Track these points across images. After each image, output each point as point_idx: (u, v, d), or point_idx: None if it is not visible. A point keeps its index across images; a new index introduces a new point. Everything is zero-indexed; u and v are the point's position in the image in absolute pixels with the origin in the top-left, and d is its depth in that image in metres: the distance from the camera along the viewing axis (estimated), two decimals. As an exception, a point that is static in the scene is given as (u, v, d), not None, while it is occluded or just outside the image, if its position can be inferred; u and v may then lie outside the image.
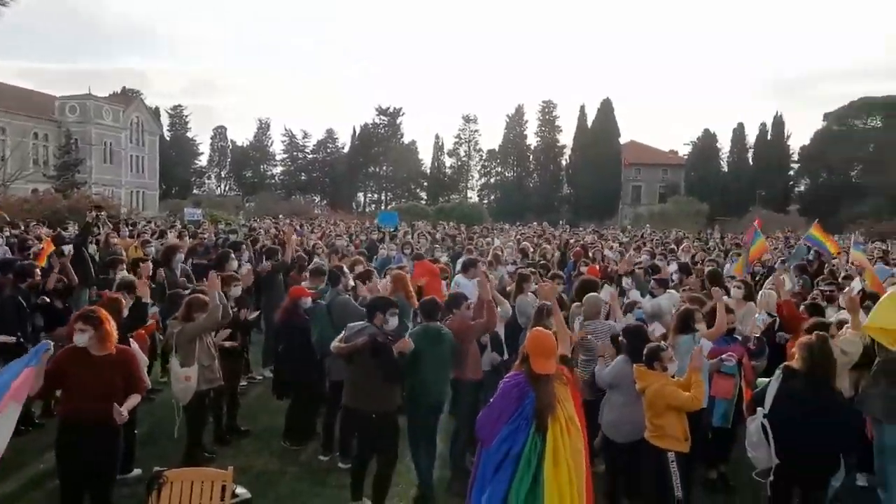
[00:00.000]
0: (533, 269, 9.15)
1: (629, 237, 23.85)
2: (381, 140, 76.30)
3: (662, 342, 5.45)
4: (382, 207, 65.31)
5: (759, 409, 4.66)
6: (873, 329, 5.30)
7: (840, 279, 9.68)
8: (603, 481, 5.53)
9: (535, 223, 34.43)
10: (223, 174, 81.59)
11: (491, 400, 4.14)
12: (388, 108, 77.20)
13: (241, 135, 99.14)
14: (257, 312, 7.67)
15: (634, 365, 5.06)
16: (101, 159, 53.54)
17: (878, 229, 37.81)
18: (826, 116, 64.96)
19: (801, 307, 6.97)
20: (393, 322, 5.56)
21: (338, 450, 6.52)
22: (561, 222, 41.63)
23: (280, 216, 32.92)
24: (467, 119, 76.65)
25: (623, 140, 68.06)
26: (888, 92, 61.41)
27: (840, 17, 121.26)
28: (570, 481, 3.67)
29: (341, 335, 5.53)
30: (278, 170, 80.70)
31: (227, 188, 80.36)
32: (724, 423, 5.92)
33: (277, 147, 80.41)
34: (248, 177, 78.39)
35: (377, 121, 77.47)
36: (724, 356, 5.61)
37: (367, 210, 67.89)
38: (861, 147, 61.10)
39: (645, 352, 5.05)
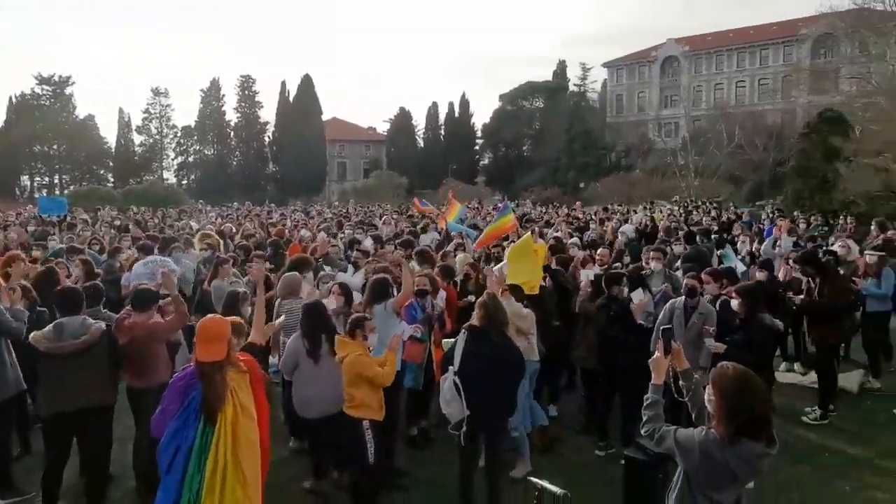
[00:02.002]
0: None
1: (334, 213, 24.14)
2: (46, 114, 65.28)
3: (366, 313, 5.58)
4: (57, 192, 56.63)
5: (450, 367, 5.04)
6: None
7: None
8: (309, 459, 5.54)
9: (235, 203, 33.15)
10: None
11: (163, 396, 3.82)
12: (53, 76, 66.30)
13: None
14: None
15: (337, 335, 5.08)
16: None
17: (544, 196, 44.32)
18: (501, 97, 73.54)
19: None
20: None
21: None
22: (267, 201, 40.63)
23: None
24: (157, 92, 69.79)
25: (325, 117, 68.68)
26: (548, 77, 71.77)
27: (516, 12, 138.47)
28: (234, 473, 3.51)
29: (45, 330, 4.93)
30: None
31: None
32: (415, 385, 6.30)
33: None
34: None
35: (38, 91, 66.24)
36: (411, 327, 5.97)
37: (35, 196, 57.93)
38: (528, 125, 70.80)
39: (350, 321, 5.14)
